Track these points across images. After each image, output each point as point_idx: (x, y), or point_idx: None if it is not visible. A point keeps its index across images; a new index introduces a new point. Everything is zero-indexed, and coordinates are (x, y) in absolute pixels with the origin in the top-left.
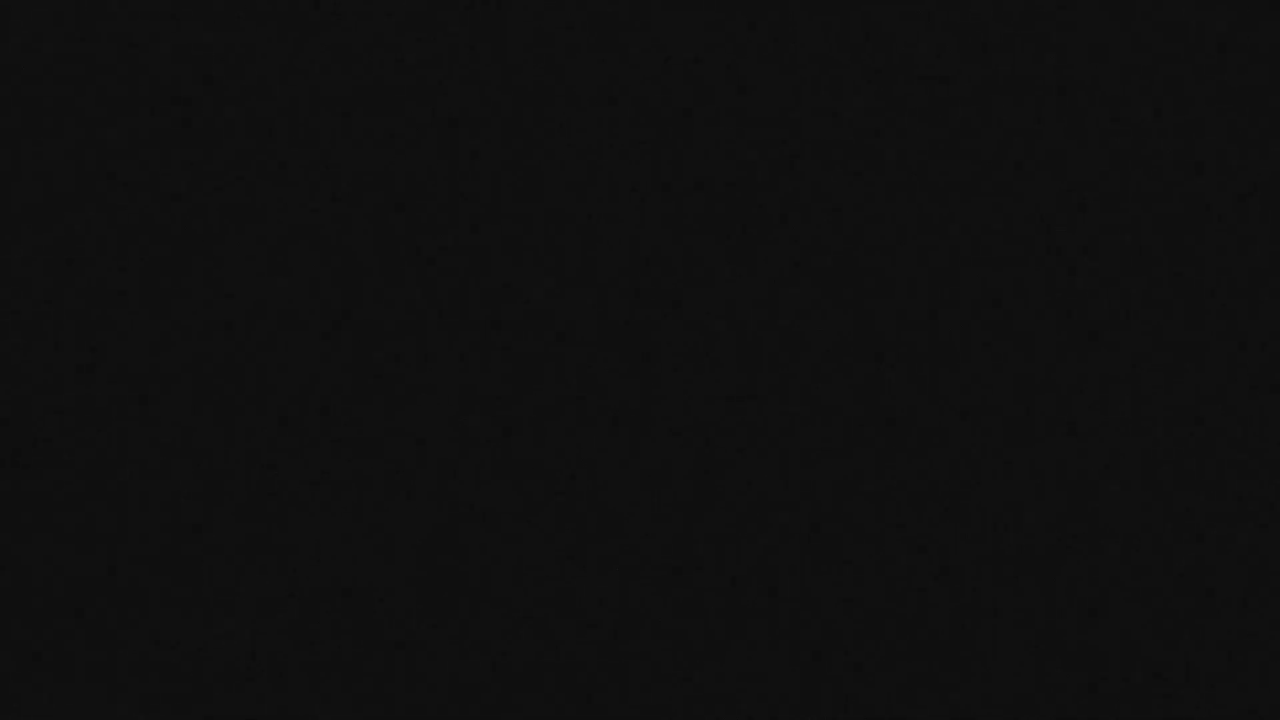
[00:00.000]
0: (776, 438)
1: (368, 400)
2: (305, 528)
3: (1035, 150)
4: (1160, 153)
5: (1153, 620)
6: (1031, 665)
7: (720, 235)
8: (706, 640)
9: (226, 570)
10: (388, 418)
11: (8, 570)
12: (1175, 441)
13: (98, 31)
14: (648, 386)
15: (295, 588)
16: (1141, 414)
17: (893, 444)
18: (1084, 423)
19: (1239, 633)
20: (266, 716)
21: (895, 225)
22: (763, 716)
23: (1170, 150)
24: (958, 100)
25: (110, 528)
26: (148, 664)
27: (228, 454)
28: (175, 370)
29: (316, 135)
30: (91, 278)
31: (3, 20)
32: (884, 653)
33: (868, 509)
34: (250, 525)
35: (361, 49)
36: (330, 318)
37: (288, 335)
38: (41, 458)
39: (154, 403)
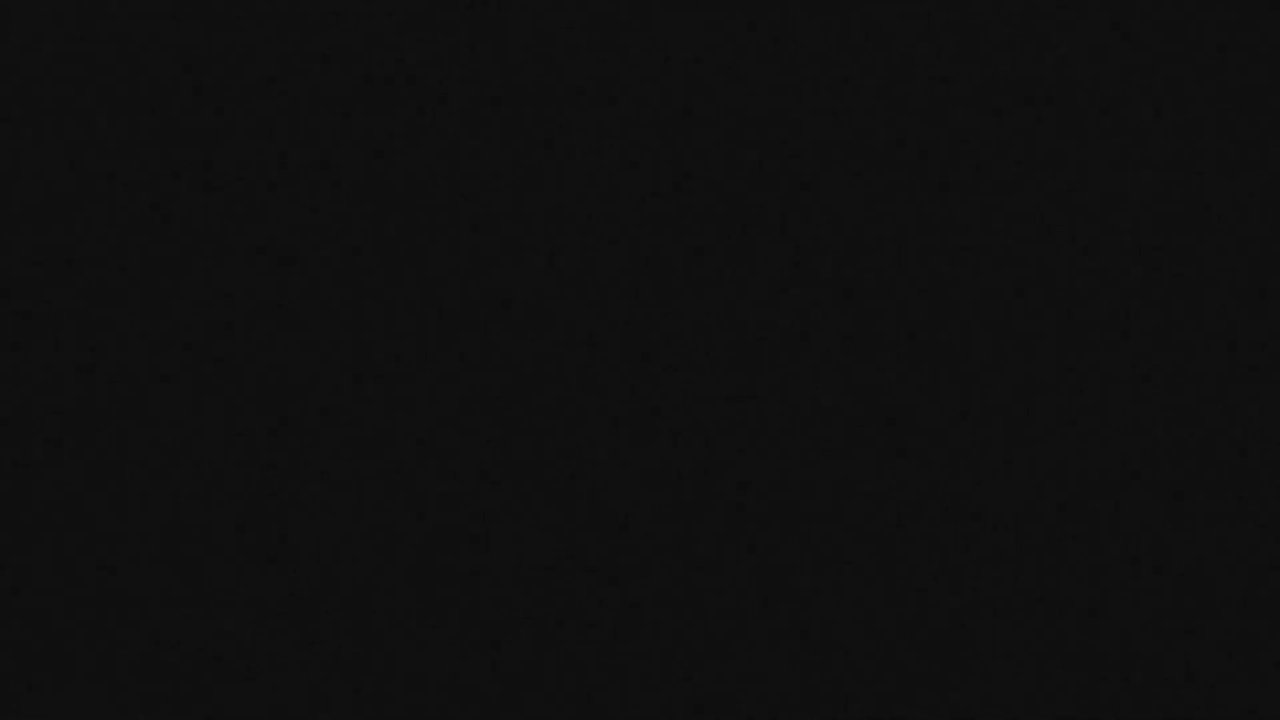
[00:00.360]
0: (776, 438)
1: (368, 400)
2: (305, 528)
3: (1035, 150)
4: (1160, 153)
5: (1152, 620)
6: (1031, 665)
7: (720, 235)
8: (706, 640)
9: (226, 570)
10: (387, 417)
11: (8, 570)
12: (1175, 441)
13: (98, 31)
14: (648, 386)
15: (295, 588)
16: (1141, 414)
17: (893, 444)
18: (1084, 423)
19: (1239, 633)
20: (266, 717)
21: (895, 225)
22: (763, 717)
23: (1170, 150)
24: (957, 100)
25: (110, 528)
26: (147, 664)
27: (228, 454)
28: (175, 370)
29: (316, 135)
30: (92, 278)
31: (3, 20)
32: (884, 652)
33: (868, 509)
34: (250, 525)
35: (361, 49)
36: (330, 317)
37: (288, 335)
38: (42, 457)
39: (154, 403)
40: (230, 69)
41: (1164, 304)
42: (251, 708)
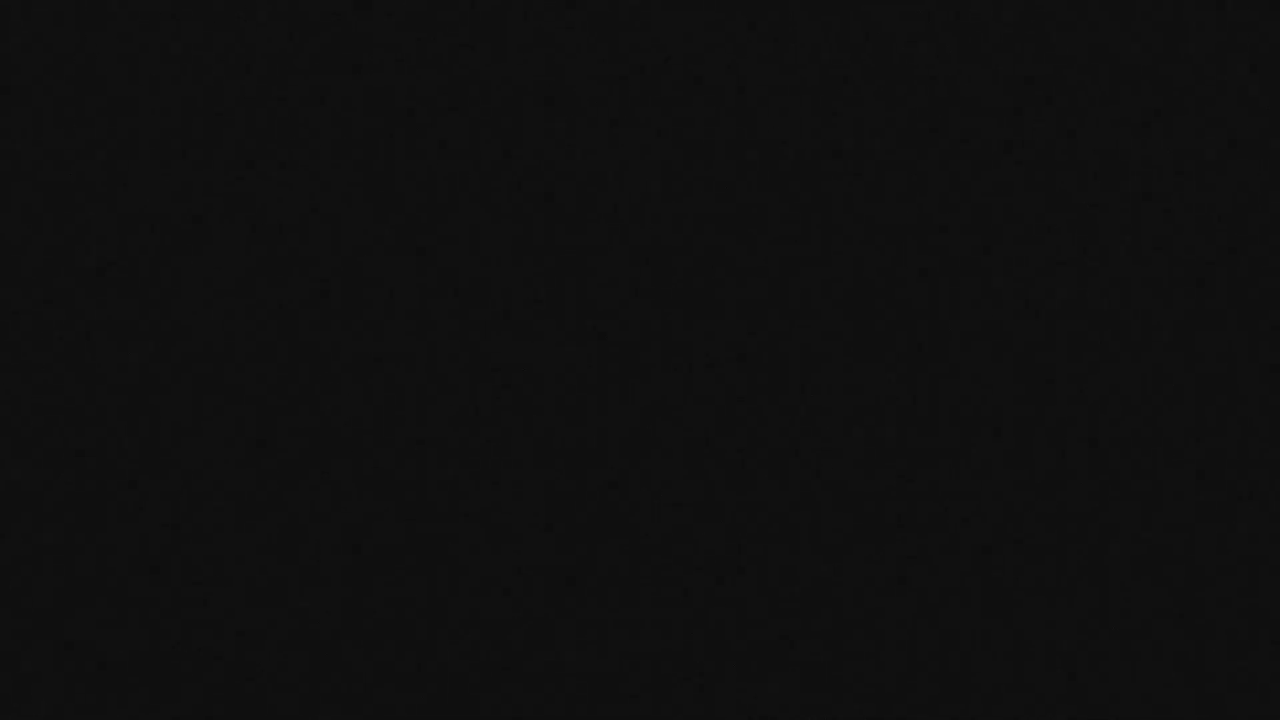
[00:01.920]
0: (777, 438)
1: (367, 400)
2: (305, 528)
3: (1036, 151)
4: (1160, 153)
5: (1150, 621)
6: (1031, 666)
7: (720, 236)
8: (706, 641)
9: (225, 570)
10: (387, 417)
11: (7, 571)
12: (1175, 441)
13: (99, 32)
14: (648, 387)
15: (294, 588)
16: (1142, 414)
17: (892, 446)
18: (1085, 424)
19: (1239, 633)
20: (266, 716)
21: (895, 226)
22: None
23: (1170, 151)
24: (957, 100)
25: (109, 528)
26: (147, 664)
27: (227, 454)
28: (174, 371)
29: (317, 135)
30: (91, 278)
31: (3, 20)
32: (884, 653)
33: (868, 509)
34: (250, 525)
35: (361, 49)
36: (329, 318)
37: (287, 336)
38: (42, 457)
39: (153, 403)
40: (230, 69)
41: (1164, 304)
42: (251, 708)
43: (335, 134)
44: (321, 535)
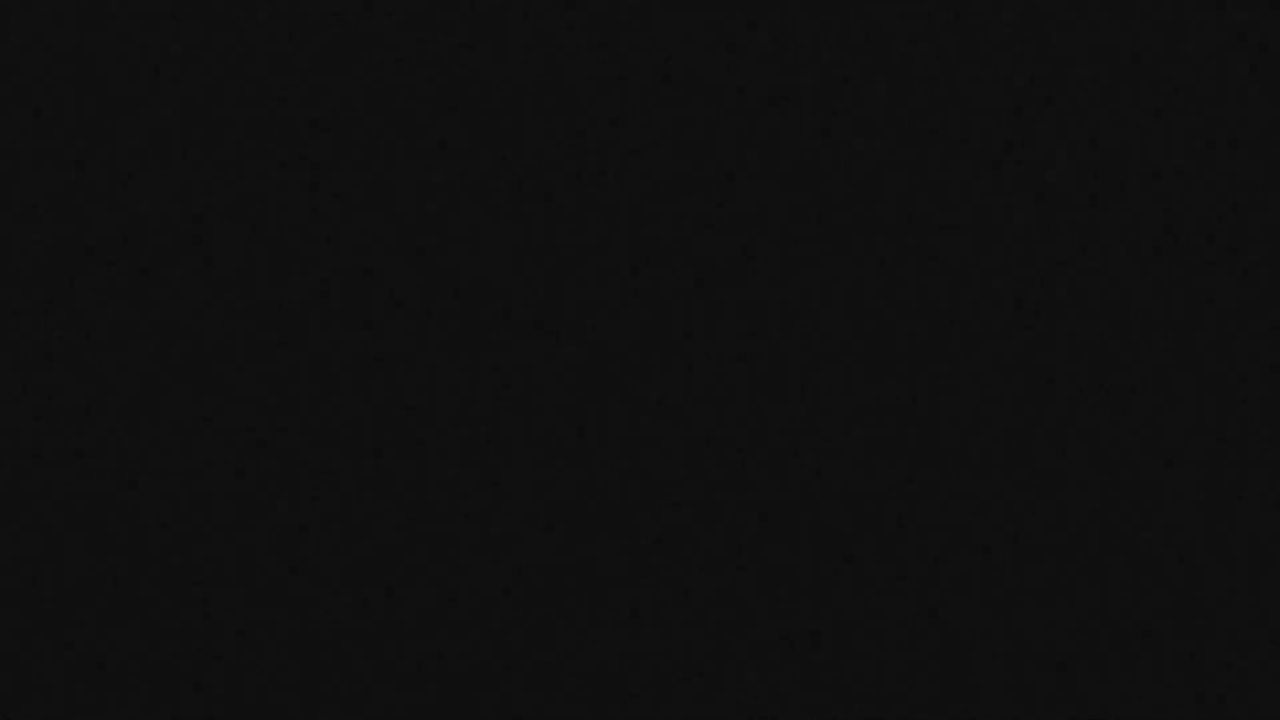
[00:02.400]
0: (778, 439)
1: (368, 400)
2: (305, 529)
3: (1035, 151)
4: (1159, 154)
5: (1152, 621)
6: (1030, 667)
7: (720, 237)
8: (706, 641)
9: (226, 570)
10: (387, 418)
11: (8, 571)
12: (1173, 443)
13: (99, 32)
14: (649, 389)
15: (295, 588)
16: (1141, 416)
17: (893, 447)
18: (1087, 427)
19: (1239, 634)
20: (266, 716)
21: (896, 226)
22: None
23: (1169, 151)
24: (957, 100)
25: (110, 528)
26: (148, 664)
27: (226, 454)
28: (174, 371)
29: (318, 136)
30: (91, 278)
31: (3, 20)
32: (884, 653)
33: (868, 510)
34: (249, 526)
35: (361, 49)
36: (330, 318)
37: (288, 336)
38: (42, 457)
39: (153, 403)
40: (230, 69)
41: (1163, 305)
42: (251, 708)
43: (335, 134)
44: (321, 535)
